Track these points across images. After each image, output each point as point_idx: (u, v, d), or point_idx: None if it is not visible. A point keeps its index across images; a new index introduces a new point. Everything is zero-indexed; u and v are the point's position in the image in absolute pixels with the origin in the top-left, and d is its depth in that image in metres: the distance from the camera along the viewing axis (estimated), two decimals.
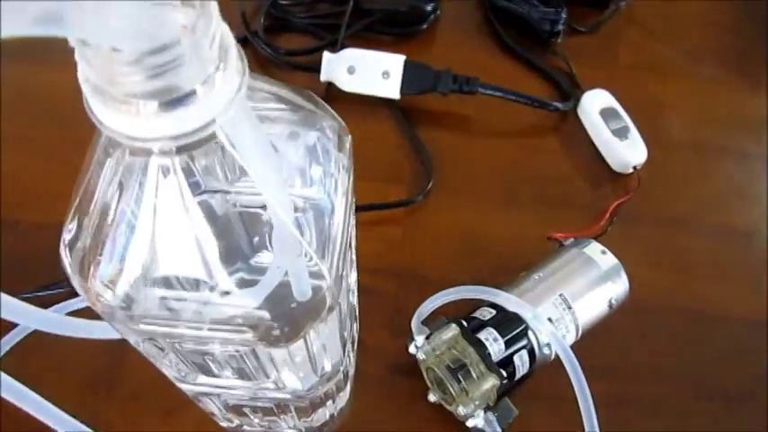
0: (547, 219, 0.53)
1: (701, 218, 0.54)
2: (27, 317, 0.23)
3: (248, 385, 0.29)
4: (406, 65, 0.56)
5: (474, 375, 0.39)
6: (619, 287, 0.44)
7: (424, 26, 0.63)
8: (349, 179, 0.25)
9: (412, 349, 0.43)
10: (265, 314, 0.21)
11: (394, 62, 0.56)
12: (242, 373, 0.27)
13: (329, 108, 0.25)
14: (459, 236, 0.53)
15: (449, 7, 0.64)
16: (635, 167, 0.54)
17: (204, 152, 0.21)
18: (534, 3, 0.61)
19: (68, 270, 0.23)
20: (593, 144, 0.57)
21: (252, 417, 0.37)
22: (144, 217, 0.22)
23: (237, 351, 0.25)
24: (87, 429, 0.26)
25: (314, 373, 0.29)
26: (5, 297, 0.21)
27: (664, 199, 0.54)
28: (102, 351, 0.46)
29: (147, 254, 0.23)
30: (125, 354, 0.45)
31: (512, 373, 0.40)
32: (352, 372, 0.36)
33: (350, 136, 0.26)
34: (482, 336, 0.40)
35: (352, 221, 0.27)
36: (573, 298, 0.42)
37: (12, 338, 0.33)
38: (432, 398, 0.43)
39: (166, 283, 0.23)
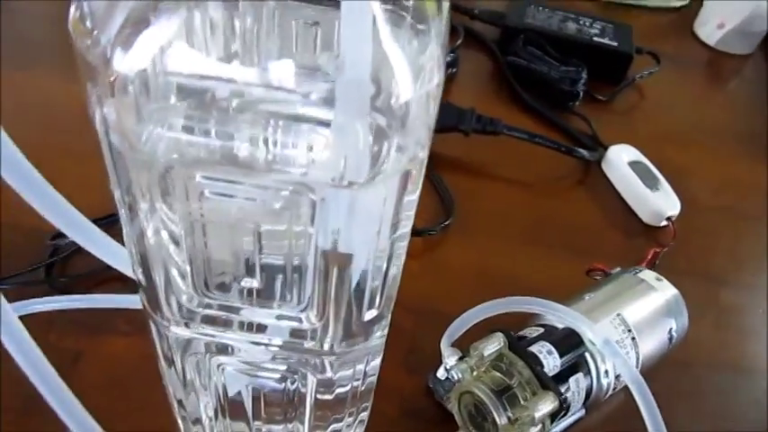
0: (576, 265, 0.47)
1: (738, 275, 0.50)
2: None
3: (271, 314, 0.21)
4: None
5: (521, 399, 0.32)
6: (679, 318, 0.38)
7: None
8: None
9: (440, 373, 0.36)
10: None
11: None
12: (268, 291, 0.21)
13: None
14: (480, 273, 0.47)
15: (466, 64, 0.63)
16: (669, 218, 0.50)
17: None
18: (553, 63, 0.61)
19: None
20: (619, 197, 0.54)
21: (249, 424, 0.29)
22: None
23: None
24: None
25: (356, 310, 0.22)
26: None
27: (699, 254, 0.50)
28: None
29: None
30: None
31: (564, 401, 0.33)
32: (373, 381, 0.29)
33: None
34: (534, 348, 0.33)
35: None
36: (632, 320, 0.36)
37: None
38: None
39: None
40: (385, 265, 0.21)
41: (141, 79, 0.17)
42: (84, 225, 0.22)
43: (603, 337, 0.33)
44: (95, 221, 0.22)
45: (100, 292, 0.40)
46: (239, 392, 0.27)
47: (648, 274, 0.39)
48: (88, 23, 0.17)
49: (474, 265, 0.47)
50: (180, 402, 0.29)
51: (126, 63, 0.16)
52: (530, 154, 0.54)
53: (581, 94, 0.60)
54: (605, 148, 0.56)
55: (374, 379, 0.29)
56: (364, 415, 0.32)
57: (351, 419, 0.30)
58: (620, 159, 0.54)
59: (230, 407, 0.28)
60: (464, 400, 0.34)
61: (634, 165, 0.53)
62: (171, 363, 0.26)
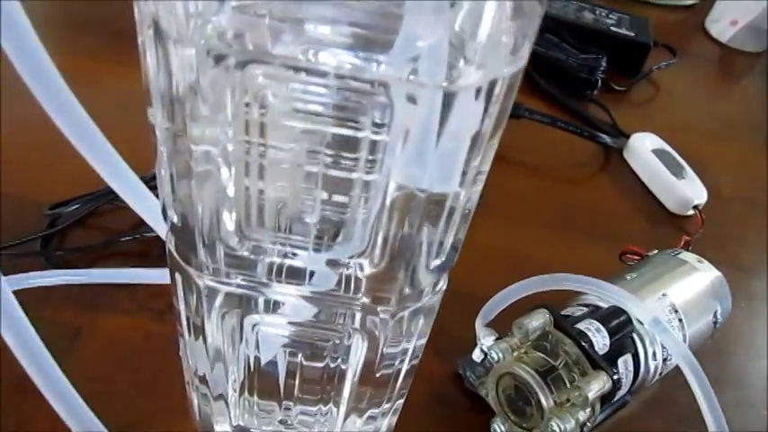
0: (605, 248, 0.45)
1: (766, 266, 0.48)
2: None
3: (325, 258, 0.19)
4: None
5: (572, 379, 0.29)
6: (724, 301, 0.36)
7: None
8: None
9: (476, 354, 0.33)
10: None
11: None
12: (330, 229, 0.18)
13: None
14: (508, 256, 0.44)
15: None
16: (696, 207, 0.48)
17: None
18: (571, 51, 0.59)
19: None
20: (642, 185, 0.52)
21: (280, 403, 0.26)
22: None
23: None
24: None
25: (423, 260, 0.19)
26: None
27: (728, 244, 0.48)
28: None
29: None
30: None
31: (617, 382, 0.30)
32: (415, 365, 0.26)
33: None
34: (581, 326, 0.31)
35: None
36: (678, 302, 0.34)
37: None
38: (498, 429, 0.32)
39: None
40: (464, 203, 0.19)
41: None
42: (111, 156, 0.19)
43: (652, 315, 0.31)
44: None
45: (99, 267, 0.37)
46: (274, 365, 0.24)
47: (690, 256, 0.37)
48: None
49: (501, 248, 0.45)
50: (202, 378, 0.26)
51: None
52: (550, 139, 0.52)
53: (599, 82, 0.58)
54: (626, 137, 0.54)
55: (417, 362, 0.26)
56: (400, 403, 0.29)
57: (388, 406, 0.27)
58: (644, 147, 0.52)
59: (260, 382, 0.25)
60: (503, 383, 0.32)
61: (658, 152, 0.51)
62: (197, 329, 0.23)
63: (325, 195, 0.18)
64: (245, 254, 0.19)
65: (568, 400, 0.29)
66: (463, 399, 0.36)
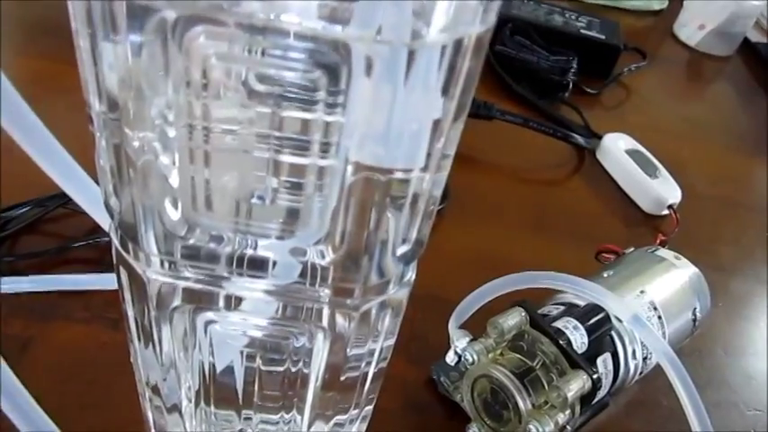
0: (579, 250, 0.45)
1: (746, 265, 0.47)
2: None
3: (283, 246, 0.17)
4: None
5: (550, 380, 0.28)
6: (702, 297, 0.35)
7: None
8: None
9: (450, 357, 0.31)
10: None
11: None
12: (277, 213, 0.16)
13: None
14: (479, 258, 0.43)
15: None
16: (671, 206, 0.48)
17: None
18: (542, 53, 0.58)
19: None
20: (616, 186, 0.51)
21: (239, 412, 0.24)
22: None
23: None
24: None
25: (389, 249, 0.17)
26: None
27: (704, 244, 0.48)
28: None
29: None
30: None
31: (597, 381, 0.29)
32: (384, 368, 0.25)
33: None
34: (558, 324, 0.29)
35: None
36: (657, 299, 0.33)
37: None
38: None
39: None
40: (429, 186, 0.17)
41: None
42: (52, 147, 0.17)
43: (632, 312, 0.30)
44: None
45: (51, 274, 0.35)
46: (231, 371, 0.22)
47: (667, 253, 0.36)
48: None
49: (472, 251, 0.44)
50: (154, 388, 0.24)
51: None
52: (522, 141, 0.52)
53: (570, 84, 0.58)
54: (599, 138, 0.53)
55: (385, 365, 0.25)
56: (368, 409, 0.27)
57: (356, 412, 0.26)
58: (617, 147, 0.51)
59: (217, 390, 0.23)
60: (478, 386, 0.30)
61: (631, 152, 0.51)
62: (147, 335, 0.22)
63: (275, 183, 0.16)
64: (200, 244, 0.17)
65: (547, 402, 0.28)
66: (438, 405, 0.34)
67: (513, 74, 0.58)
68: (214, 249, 0.18)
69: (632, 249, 0.38)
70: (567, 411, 0.28)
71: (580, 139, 0.51)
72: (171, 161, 0.16)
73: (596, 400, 0.31)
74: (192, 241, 0.17)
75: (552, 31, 0.61)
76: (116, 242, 0.19)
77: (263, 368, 0.23)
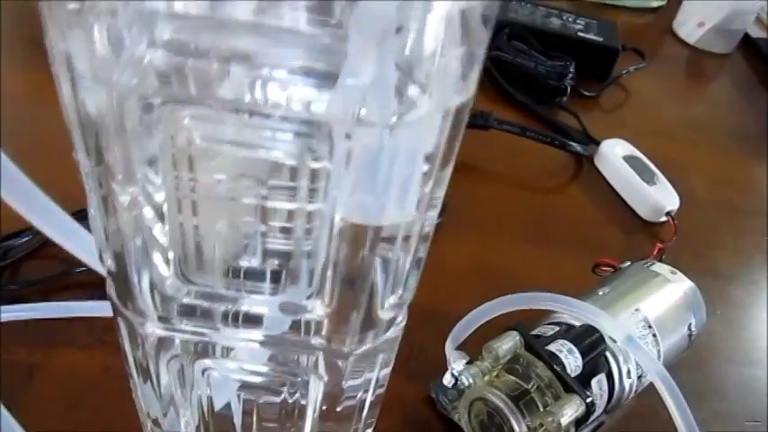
0: (578, 260, 0.45)
1: (746, 271, 0.47)
2: None
3: (273, 302, 0.18)
4: None
5: (545, 402, 0.29)
6: (698, 312, 0.35)
7: None
8: None
9: (447, 379, 0.32)
10: None
11: None
12: (266, 273, 0.17)
13: None
14: (478, 272, 0.44)
15: None
16: (668, 213, 0.48)
17: None
18: (539, 58, 0.58)
19: None
20: (614, 193, 0.51)
21: None
22: None
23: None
24: None
25: (377, 301, 0.18)
26: None
27: (703, 250, 0.48)
28: None
29: None
30: None
31: (591, 405, 0.30)
32: (382, 394, 0.25)
33: None
34: (552, 348, 0.30)
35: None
36: (651, 316, 0.33)
37: None
38: None
39: None
40: (417, 239, 0.18)
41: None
42: (41, 201, 0.18)
43: (626, 333, 0.30)
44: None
45: (54, 300, 0.35)
46: (229, 406, 0.23)
47: (663, 267, 0.36)
48: None
49: (471, 264, 0.44)
50: (155, 421, 0.25)
51: None
52: (520, 149, 0.52)
53: (569, 89, 0.58)
54: (597, 144, 0.54)
55: (382, 392, 0.25)
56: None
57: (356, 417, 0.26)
58: (614, 154, 0.51)
59: (216, 423, 0.24)
60: (475, 408, 0.31)
61: (629, 159, 0.51)
62: (145, 373, 0.22)
63: (264, 228, 0.17)
64: (184, 299, 0.18)
65: (542, 425, 0.28)
66: (437, 422, 0.35)
67: (511, 79, 0.58)
68: (209, 307, 0.18)
69: (628, 263, 0.38)
70: None
71: (577, 147, 0.51)
72: (159, 215, 0.16)
73: (592, 419, 0.31)
74: (186, 300, 0.18)
75: (550, 35, 0.61)
76: (113, 295, 0.20)
77: (260, 402, 0.23)
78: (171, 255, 0.17)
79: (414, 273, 0.19)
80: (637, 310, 0.33)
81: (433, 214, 0.19)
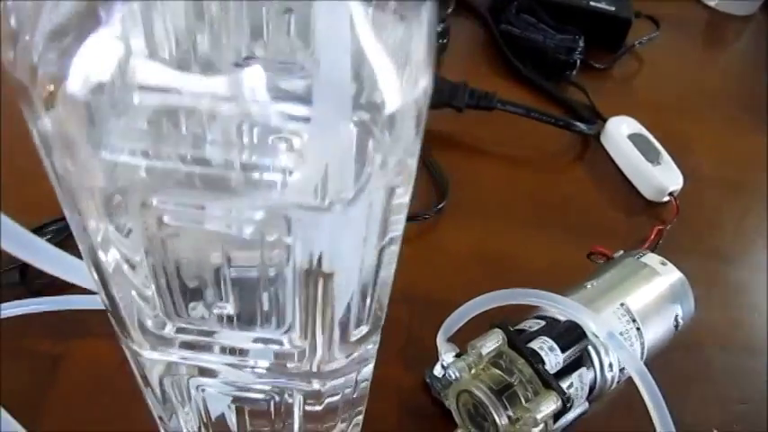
0: (578, 245, 0.46)
1: (746, 252, 0.48)
2: None
3: (250, 337, 0.20)
4: None
5: (522, 399, 0.30)
6: (685, 303, 0.36)
7: None
8: None
9: (437, 371, 0.34)
10: None
11: None
12: (249, 315, 0.19)
13: None
14: (478, 258, 0.45)
15: (457, 33, 0.60)
16: (671, 194, 0.48)
17: None
18: (549, 31, 0.58)
19: None
20: (619, 172, 0.52)
21: None
22: None
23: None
24: None
25: (342, 335, 0.20)
26: None
27: (705, 231, 0.49)
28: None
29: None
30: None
31: (567, 400, 0.31)
32: (367, 387, 0.27)
33: None
34: (534, 345, 0.32)
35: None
36: (636, 310, 0.34)
37: None
38: None
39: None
40: (374, 277, 0.19)
41: (90, 93, 0.14)
42: (37, 244, 0.20)
43: (607, 329, 0.32)
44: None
45: (78, 293, 0.38)
46: (223, 415, 0.25)
47: (653, 259, 0.37)
48: (12, 22, 0.14)
49: (471, 250, 0.45)
50: (161, 419, 0.27)
51: (74, 77, 0.14)
52: (526, 128, 0.52)
53: (578, 63, 0.57)
54: (604, 120, 0.53)
55: (367, 384, 0.27)
56: (359, 419, 0.30)
57: (344, 425, 0.29)
58: (620, 132, 0.51)
59: (214, 426, 0.27)
60: (462, 398, 0.33)
61: (634, 137, 0.51)
62: (147, 383, 0.24)
63: (237, 283, 0.18)
64: (173, 335, 0.20)
65: (520, 418, 0.30)
66: (432, 407, 0.37)
67: (520, 53, 0.58)
68: (195, 340, 0.20)
69: (621, 252, 0.39)
70: (542, 426, 0.30)
71: (582, 127, 0.52)
72: (135, 273, 0.18)
73: (575, 407, 0.33)
74: (174, 334, 0.20)
75: (560, 6, 0.60)
76: (114, 324, 0.22)
77: (251, 408, 0.25)
78: (150, 297, 0.19)
79: (381, 299, 0.21)
80: (622, 304, 0.34)
81: (394, 248, 0.20)
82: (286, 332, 0.20)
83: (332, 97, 0.15)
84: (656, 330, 0.35)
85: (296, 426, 0.27)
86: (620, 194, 0.50)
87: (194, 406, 0.25)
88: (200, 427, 0.26)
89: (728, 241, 0.48)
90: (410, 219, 0.45)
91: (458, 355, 0.33)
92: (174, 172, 0.15)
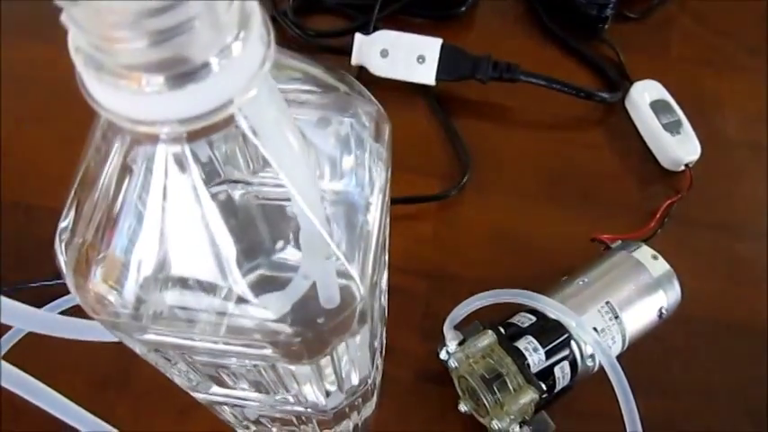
0: (592, 219, 0.49)
1: (757, 223, 0.50)
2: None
3: (265, 399, 0.26)
4: (443, 49, 0.52)
5: (510, 388, 0.36)
6: (670, 296, 0.40)
7: (462, 9, 0.59)
8: (387, 173, 0.22)
9: (443, 355, 0.40)
10: (286, 328, 0.19)
11: (430, 46, 0.52)
12: (259, 387, 0.25)
13: (366, 91, 0.22)
14: (496, 235, 0.49)
15: None
16: (687, 165, 0.50)
17: (223, 138, 0.18)
18: None
19: (63, 267, 0.20)
20: (642, 139, 0.53)
21: (270, 426, 0.34)
22: (152, 209, 0.19)
23: (255, 366, 0.22)
24: (108, 427, 0.24)
25: (339, 390, 0.26)
26: None
27: (718, 201, 0.50)
28: (113, 348, 0.44)
29: (158, 251, 0.20)
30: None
31: (551, 386, 0.37)
32: (379, 379, 0.33)
33: (389, 124, 0.23)
34: (521, 345, 0.37)
35: (388, 221, 0.24)
36: (621, 306, 0.38)
37: (12, 336, 0.31)
38: (463, 408, 0.40)
39: (180, 285, 0.20)
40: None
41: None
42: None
43: (592, 337, 0.36)
44: None
45: None
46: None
47: (645, 253, 0.40)
48: None
49: (489, 227, 0.49)
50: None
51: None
52: (551, 97, 0.53)
53: (609, 18, 0.57)
54: (631, 83, 0.54)
55: (375, 386, 0.34)
56: (370, 406, 0.37)
57: (355, 413, 0.35)
58: (643, 99, 0.52)
59: None
60: (462, 382, 0.39)
61: (656, 104, 0.52)
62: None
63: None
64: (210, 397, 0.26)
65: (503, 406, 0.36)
66: (445, 375, 0.42)
67: (550, 9, 0.58)
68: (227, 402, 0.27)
69: (619, 243, 0.42)
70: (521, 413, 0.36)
71: (606, 96, 0.53)
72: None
73: (557, 390, 0.38)
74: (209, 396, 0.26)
75: None
76: None
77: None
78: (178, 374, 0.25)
79: (365, 362, 0.26)
80: (607, 302, 0.38)
81: (383, 297, 0.25)
82: (289, 394, 0.26)
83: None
84: (640, 323, 0.39)
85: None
86: (638, 164, 0.52)
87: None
88: None
89: (742, 211, 0.50)
90: (432, 198, 0.50)
91: (460, 343, 0.39)
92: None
